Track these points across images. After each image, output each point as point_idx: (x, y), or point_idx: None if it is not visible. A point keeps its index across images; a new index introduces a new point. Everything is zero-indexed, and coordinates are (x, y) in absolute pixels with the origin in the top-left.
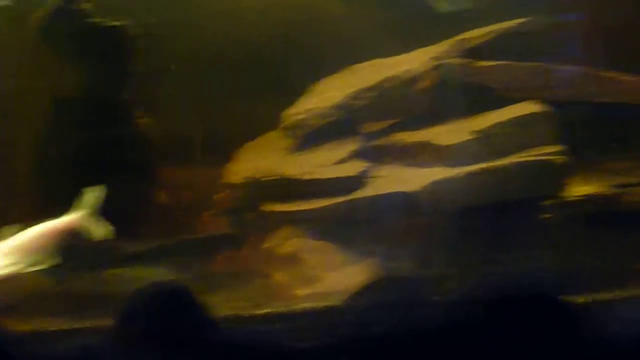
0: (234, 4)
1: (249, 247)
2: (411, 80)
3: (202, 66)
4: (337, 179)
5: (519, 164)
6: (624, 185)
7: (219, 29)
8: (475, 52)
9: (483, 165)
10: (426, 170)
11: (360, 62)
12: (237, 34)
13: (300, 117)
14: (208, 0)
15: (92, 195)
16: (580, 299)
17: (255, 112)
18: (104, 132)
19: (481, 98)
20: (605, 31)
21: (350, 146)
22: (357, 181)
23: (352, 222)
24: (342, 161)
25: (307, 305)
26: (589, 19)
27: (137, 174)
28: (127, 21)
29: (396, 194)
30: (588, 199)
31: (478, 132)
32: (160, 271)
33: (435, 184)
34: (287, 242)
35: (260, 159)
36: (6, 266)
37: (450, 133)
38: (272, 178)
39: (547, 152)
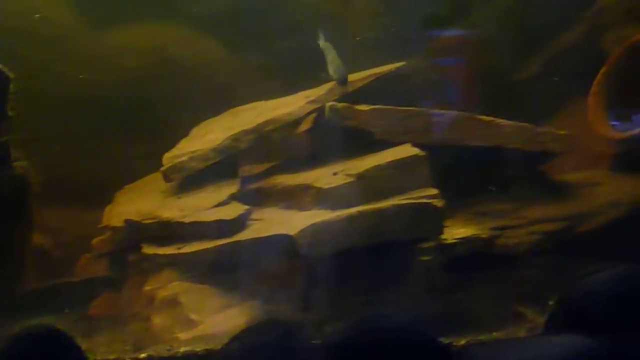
0: (110, 46)
1: (129, 290)
2: (291, 123)
3: (81, 109)
4: (218, 221)
5: (398, 206)
6: (502, 228)
7: (97, 71)
8: (354, 95)
9: (362, 207)
10: (306, 212)
11: (241, 104)
12: (115, 76)
13: (181, 159)
14: (85, 42)
15: None
16: (458, 341)
17: (135, 154)
18: None
19: (360, 141)
20: (482, 76)
21: (230, 189)
22: (237, 224)
23: (233, 265)
24: (222, 204)
25: (188, 348)
26: (467, 63)
27: (15, 217)
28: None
29: (276, 236)
30: (466, 242)
31: (357, 174)
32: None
33: (315, 226)
34: (167, 285)
35: (141, 202)
36: None
37: (330, 176)
38: (153, 221)
39: (425, 194)
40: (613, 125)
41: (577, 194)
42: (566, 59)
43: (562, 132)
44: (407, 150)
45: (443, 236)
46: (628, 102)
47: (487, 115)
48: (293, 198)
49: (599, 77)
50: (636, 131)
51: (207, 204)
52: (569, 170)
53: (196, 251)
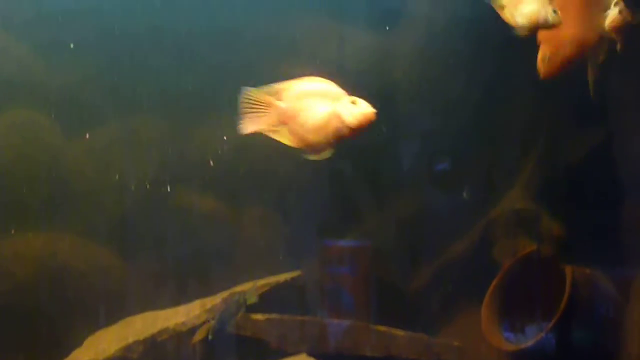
0: (2, 255)
1: None
2: (185, 333)
3: None
4: None
5: None
6: None
7: None
8: (249, 304)
9: None
10: None
11: (135, 312)
12: (6, 286)
13: None
14: None
15: None
16: None
17: None
18: None
19: (255, 351)
20: (376, 285)
21: None
22: None
23: None
24: None
25: None
26: (361, 272)
27: None
28: None
29: None
30: None
31: None
32: None
33: None
34: None
35: None
36: None
37: None
38: None
39: None
40: (506, 336)
41: None
42: (458, 269)
43: (456, 343)
44: None
45: None
46: (520, 314)
47: (382, 325)
48: None
49: (491, 288)
50: (529, 343)
51: None
52: None
53: None
